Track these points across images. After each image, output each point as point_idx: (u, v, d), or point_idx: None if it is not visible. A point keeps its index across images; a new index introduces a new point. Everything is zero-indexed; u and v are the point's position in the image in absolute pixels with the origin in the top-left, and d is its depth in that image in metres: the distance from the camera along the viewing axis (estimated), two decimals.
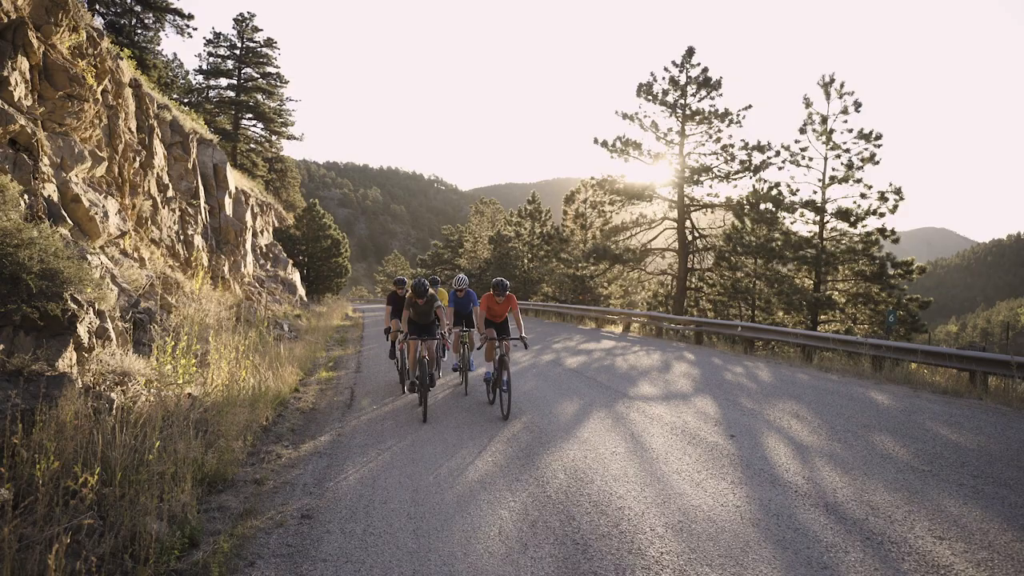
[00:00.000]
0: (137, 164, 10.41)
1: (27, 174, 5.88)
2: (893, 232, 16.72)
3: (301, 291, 26.93)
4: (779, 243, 17.76)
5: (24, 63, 6.08)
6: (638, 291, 23.46)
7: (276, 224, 30.70)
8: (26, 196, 5.65)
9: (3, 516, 2.82)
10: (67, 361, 4.29)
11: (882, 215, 16.77)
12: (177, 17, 27.08)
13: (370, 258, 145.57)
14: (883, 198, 16.73)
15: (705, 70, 20.86)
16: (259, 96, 36.37)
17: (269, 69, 36.31)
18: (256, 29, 35.87)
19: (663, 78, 21.26)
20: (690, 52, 20.82)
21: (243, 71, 35.97)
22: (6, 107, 5.69)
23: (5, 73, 5.73)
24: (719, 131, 20.85)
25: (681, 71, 21.12)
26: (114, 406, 4.24)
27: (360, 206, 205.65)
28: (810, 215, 17.67)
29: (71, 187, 6.74)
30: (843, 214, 16.97)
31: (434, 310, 7.46)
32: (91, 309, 4.81)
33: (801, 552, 3.24)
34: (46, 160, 6.30)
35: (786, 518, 3.71)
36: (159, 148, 12.62)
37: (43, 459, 3.22)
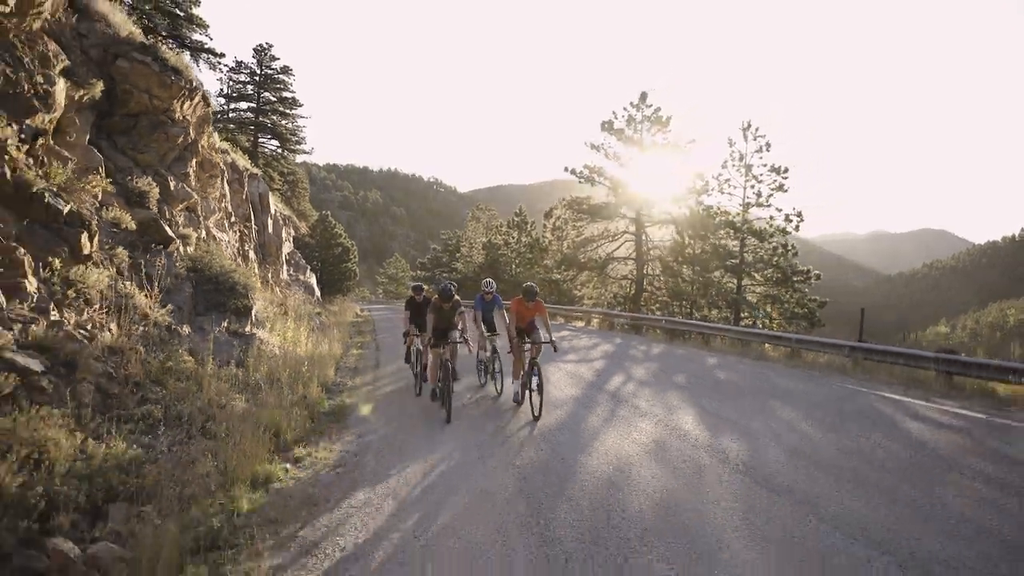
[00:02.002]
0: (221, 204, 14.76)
1: (196, 226, 10.23)
2: (794, 247, 21.13)
3: (317, 292, 31.27)
4: (708, 254, 22.17)
5: (194, 161, 10.44)
6: (603, 293, 27.79)
7: (293, 233, 35.06)
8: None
9: (261, 391, 7.15)
10: (249, 328, 8.63)
11: (787, 233, 21.18)
12: (211, 55, 31.46)
13: (370, 260, 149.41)
14: (788, 219, 21.15)
15: (657, 110, 25.26)
16: (276, 117, 40.74)
17: (285, 94, 40.66)
18: (274, 58, 40.23)
19: (622, 116, 25.69)
20: (643, 96, 25.23)
21: (262, 95, 40.34)
22: (188, 189, 10.04)
23: (188, 170, 10.08)
24: (668, 161, 25.27)
25: (637, 110, 25.52)
26: (274, 352, 8.61)
27: (360, 208, 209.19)
28: (733, 232, 22.07)
29: (211, 229, 11.05)
30: (756, 233, 21.36)
31: (457, 314, 7.88)
32: (255, 302, 9.18)
33: (589, 407, 7.59)
34: (201, 215, 10.64)
35: (590, 398, 8.07)
36: (226, 187, 16.97)
37: (263, 366, 7.57)
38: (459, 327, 7.89)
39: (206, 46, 31.69)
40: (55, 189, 6.27)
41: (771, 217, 21.35)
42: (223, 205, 13.35)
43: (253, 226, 19.49)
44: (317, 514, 4.17)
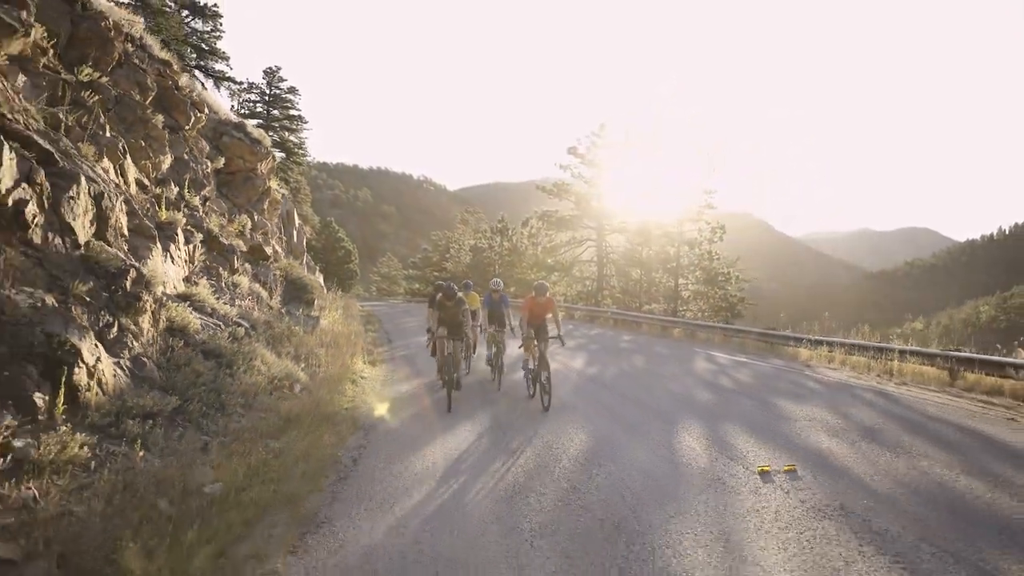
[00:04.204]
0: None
1: (268, 244, 15.06)
2: (717, 254, 26.25)
3: (325, 290, 36.08)
4: (651, 259, 27.26)
5: (267, 200, 15.26)
6: (570, 290, 32.78)
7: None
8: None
9: (332, 347, 12.01)
10: (314, 312, 13.48)
11: (713, 242, 26.29)
12: (232, 83, 36.06)
13: (363, 258, 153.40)
14: (714, 231, 26.25)
15: (614, 137, 30.31)
16: (284, 133, 45.36)
17: (292, 112, 45.28)
18: (281, 79, 44.82)
19: (585, 143, 30.73)
20: (602, 126, 30.33)
21: (271, 113, 44.93)
22: (264, 220, 14.86)
23: (264, 206, 14.89)
24: (623, 181, 30.33)
25: (598, 137, 30.55)
26: (326, 328, 13.51)
27: (351, 207, 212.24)
28: (671, 242, 27.16)
29: (274, 245, 15.84)
30: (688, 242, 26.47)
31: (461, 311, 8.26)
32: (316, 297, 14.05)
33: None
34: (272, 236, 15.45)
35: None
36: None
37: (326, 336, 12.46)
38: (464, 323, 8.44)
39: (228, 75, 36.37)
40: (218, 230, 11.14)
41: (700, 230, 26.46)
42: (276, 224, 18.18)
43: (283, 236, 24.31)
44: (385, 383, 9.08)
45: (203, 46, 33.25)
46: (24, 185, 5.43)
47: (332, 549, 3.67)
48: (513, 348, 8.93)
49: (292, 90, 45.42)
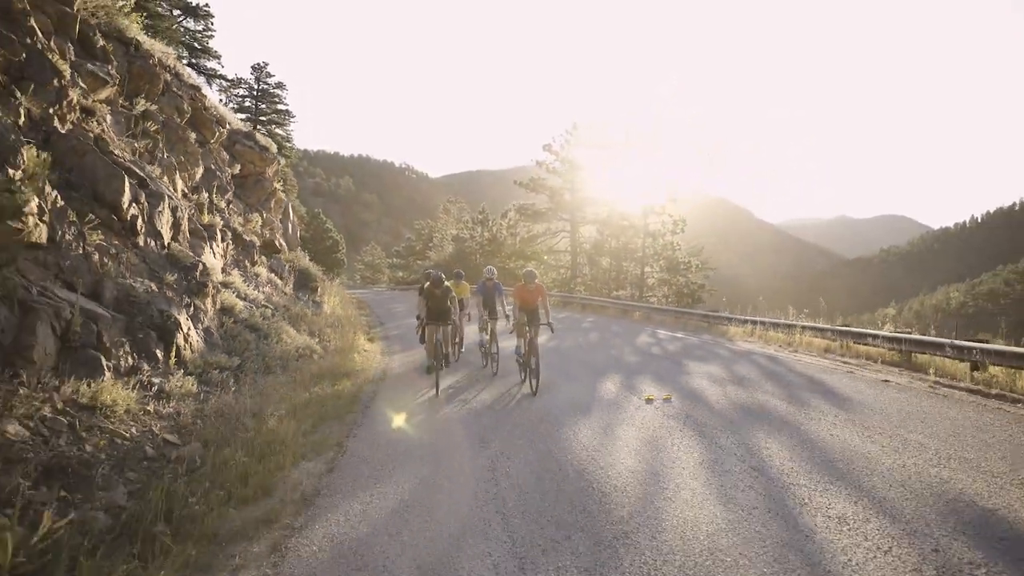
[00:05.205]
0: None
1: (273, 239, 17.18)
2: (679, 244, 28.82)
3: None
4: (618, 249, 29.77)
5: (273, 200, 17.34)
6: (545, 278, 35.21)
7: None
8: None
9: (338, 327, 14.27)
10: (319, 298, 15.67)
11: (675, 233, 28.85)
12: (223, 80, 37.61)
13: (346, 246, 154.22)
14: (676, 224, 28.80)
15: (587, 134, 32.62)
16: (271, 127, 46.89)
17: (280, 107, 46.80)
18: (269, 75, 46.24)
19: (558, 140, 33.02)
20: (575, 125, 32.61)
21: (259, 107, 46.42)
22: (271, 217, 16.96)
23: (271, 205, 16.97)
24: (594, 176, 32.72)
25: (571, 136, 32.85)
26: (328, 312, 15.74)
27: (333, 195, 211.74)
28: (636, 234, 29.67)
29: (276, 236, 17.95)
30: (651, 234, 29.01)
31: (448, 299, 8.48)
32: (320, 285, 16.25)
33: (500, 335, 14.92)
34: (277, 231, 17.57)
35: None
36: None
37: (331, 317, 14.71)
38: (455, 312, 8.71)
39: (219, 73, 37.86)
40: (240, 229, 13.29)
41: (663, 222, 29.00)
42: (280, 220, 20.24)
43: (281, 227, 26.32)
44: (384, 354, 11.37)
45: (196, 45, 34.86)
46: (134, 204, 7.62)
47: (367, 437, 6.03)
48: (506, 335, 9.52)
49: (280, 85, 46.88)
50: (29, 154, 5.79)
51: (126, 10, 10.61)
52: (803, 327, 13.53)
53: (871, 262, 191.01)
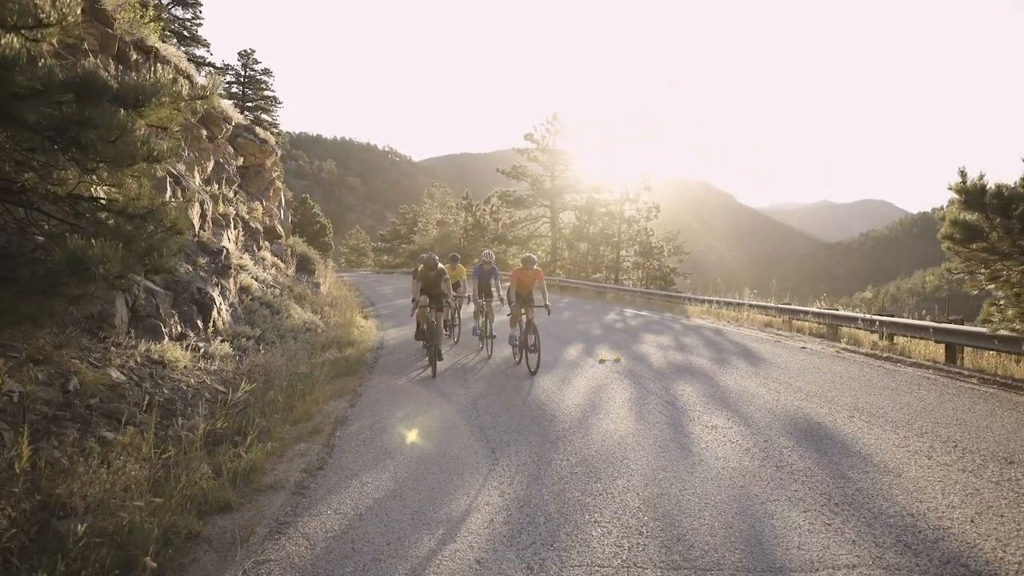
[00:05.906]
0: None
1: (273, 225, 18.54)
2: (653, 230, 30.55)
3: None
4: (596, 234, 31.45)
5: (271, 188, 18.64)
6: None
7: None
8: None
9: (336, 306, 15.77)
10: (316, 279, 17.12)
11: (649, 220, 30.56)
12: (212, 68, 38.30)
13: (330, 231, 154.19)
14: (650, 211, 30.50)
15: (567, 125, 34.09)
16: (258, 113, 47.59)
17: (266, 93, 47.48)
18: (256, 61, 46.84)
19: (539, 130, 34.43)
20: (555, 115, 34.01)
21: (246, 93, 47.05)
22: (270, 205, 18.29)
23: (270, 193, 18.29)
24: (573, 164, 34.26)
25: (552, 126, 34.27)
26: (324, 292, 17.21)
27: (316, 178, 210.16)
28: (612, 220, 31.33)
29: (276, 222, 19.28)
30: (626, 220, 30.71)
31: (442, 281, 8.62)
32: (317, 267, 17.68)
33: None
34: (275, 218, 18.90)
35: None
36: None
37: (329, 297, 16.20)
38: (449, 294, 8.86)
39: (208, 61, 38.56)
40: (247, 217, 14.68)
41: (638, 209, 30.69)
42: (277, 207, 21.54)
43: (278, 214, 27.55)
44: (379, 328, 12.93)
45: (185, 33, 35.62)
46: (172, 198, 9.05)
47: (377, 384, 7.64)
48: (502, 317, 10.11)
49: (266, 71, 47.53)
50: None
51: (146, 20, 11.85)
52: (750, 305, 15.34)
53: (851, 246, 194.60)
